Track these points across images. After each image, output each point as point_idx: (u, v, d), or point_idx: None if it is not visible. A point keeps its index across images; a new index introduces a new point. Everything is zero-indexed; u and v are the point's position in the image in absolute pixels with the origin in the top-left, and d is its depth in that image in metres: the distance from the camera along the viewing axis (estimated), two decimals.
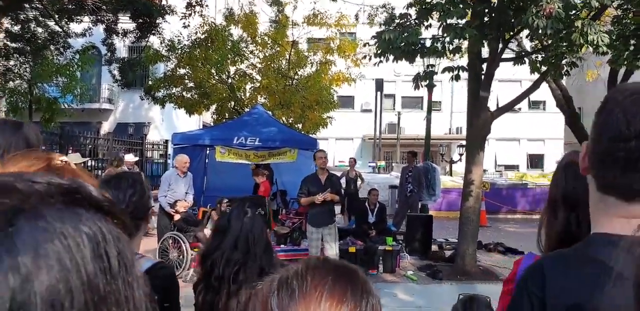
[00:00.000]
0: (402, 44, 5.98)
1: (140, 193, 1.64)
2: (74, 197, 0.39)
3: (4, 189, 0.35)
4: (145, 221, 1.69)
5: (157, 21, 11.85)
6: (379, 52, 6.27)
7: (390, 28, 6.19)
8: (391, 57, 6.35)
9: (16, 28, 12.05)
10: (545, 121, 26.59)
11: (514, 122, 23.75)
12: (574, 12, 5.84)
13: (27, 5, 10.54)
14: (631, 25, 7.61)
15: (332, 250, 6.22)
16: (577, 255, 0.90)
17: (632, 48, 7.35)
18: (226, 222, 2.07)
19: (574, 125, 9.76)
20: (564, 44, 5.79)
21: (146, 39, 12.50)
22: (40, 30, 12.50)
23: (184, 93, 13.60)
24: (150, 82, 14.36)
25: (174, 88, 13.56)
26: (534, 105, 27.12)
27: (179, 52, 13.03)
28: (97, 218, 0.38)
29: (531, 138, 27.57)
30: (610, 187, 0.87)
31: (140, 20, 11.26)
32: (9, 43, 12.29)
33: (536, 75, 7.61)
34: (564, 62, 6.75)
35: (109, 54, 13.09)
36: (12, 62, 12.69)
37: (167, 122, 20.60)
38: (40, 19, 12.18)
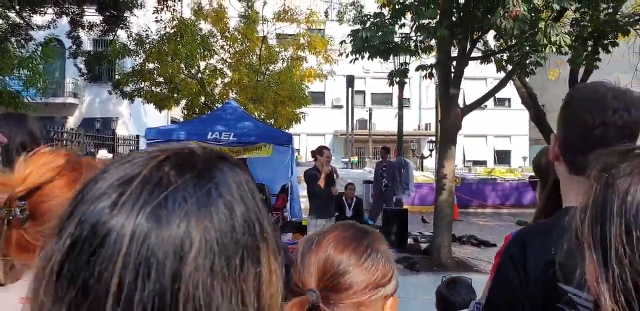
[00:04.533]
0: (377, 43, 6.15)
1: None
2: (225, 159, 0.48)
3: (192, 155, 0.46)
4: None
5: (125, 15, 11.61)
6: (354, 49, 6.43)
7: (366, 27, 6.35)
8: (366, 55, 6.51)
9: None
10: (511, 118, 27.35)
11: (481, 119, 24.34)
12: (536, 14, 6.10)
13: None
14: (589, 27, 7.99)
15: None
16: (549, 224, 1.08)
17: (590, 49, 7.74)
18: None
19: (540, 122, 10.13)
20: (529, 43, 6.04)
21: (113, 33, 12.26)
22: (0, 21, 12.11)
23: (153, 88, 13.46)
24: (118, 77, 14.12)
25: (143, 83, 13.40)
26: (500, 102, 27.84)
27: (148, 46, 12.89)
28: (243, 173, 0.48)
29: (498, 134, 28.31)
30: (581, 169, 1.02)
31: (108, 14, 11.02)
32: None
33: (502, 74, 7.90)
34: (528, 61, 7.05)
35: (74, 47, 12.76)
36: None
37: (135, 117, 20.24)
38: (1, 9, 11.79)
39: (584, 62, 7.82)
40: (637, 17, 9.55)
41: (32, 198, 0.89)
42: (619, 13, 8.52)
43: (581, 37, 7.65)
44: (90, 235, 0.39)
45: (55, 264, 0.39)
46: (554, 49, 5.85)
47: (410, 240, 8.75)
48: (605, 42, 7.66)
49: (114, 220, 0.40)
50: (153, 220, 0.40)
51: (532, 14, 5.73)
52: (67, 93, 20.25)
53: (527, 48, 6.16)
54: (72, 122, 20.37)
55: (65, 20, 12.12)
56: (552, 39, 5.61)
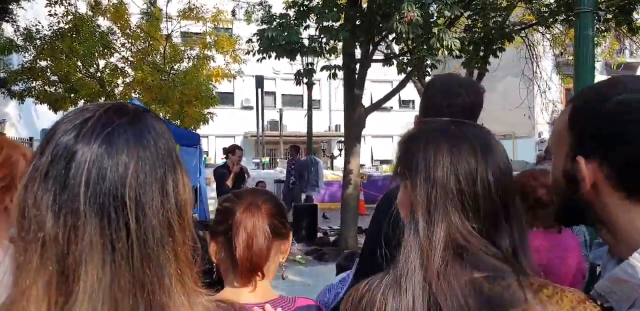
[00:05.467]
0: (284, 42, 6.29)
1: None
2: (149, 111, 0.70)
3: (126, 106, 0.68)
4: None
5: (11, 7, 10.61)
6: (261, 49, 6.53)
7: (272, 27, 6.47)
8: (273, 55, 6.63)
9: None
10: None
11: (386, 119, 25.44)
12: (432, 20, 6.54)
13: None
14: (480, 33, 8.71)
15: None
16: None
17: (482, 53, 8.43)
18: None
19: None
20: (424, 47, 6.47)
21: None
22: None
23: (47, 87, 12.47)
24: (3, 74, 12.88)
25: (34, 82, 12.36)
26: (404, 104, 29.29)
27: (39, 42, 11.92)
28: (161, 121, 0.70)
29: (402, 134, 29.75)
30: None
31: None
32: None
33: (404, 76, 8.36)
34: (425, 63, 7.53)
35: None
36: None
37: (25, 119, 18.58)
38: None
39: (477, 65, 8.50)
40: (523, 26, 10.57)
41: None
42: (508, 21, 9.35)
43: (473, 42, 8.30)
44: (64, 153, 0.60)
45: (43, 170, 0.60)
46: (447, 53, 6.32)
47: (320, 234, 9.16)
48: (494, 47, 8.36)
49: (78, 144, 0.61)
50: (104, 144, 0.61)
51: (427, 19, 6.13)
52: None
53: (423, 51, 6.58)
54: None
55: None
56: (444, 43, 6.05)
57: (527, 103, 14.39)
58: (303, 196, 10.47)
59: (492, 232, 0.82)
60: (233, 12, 13.88)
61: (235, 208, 1.22)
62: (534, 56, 12.63)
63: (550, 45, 13.50)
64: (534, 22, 10.38)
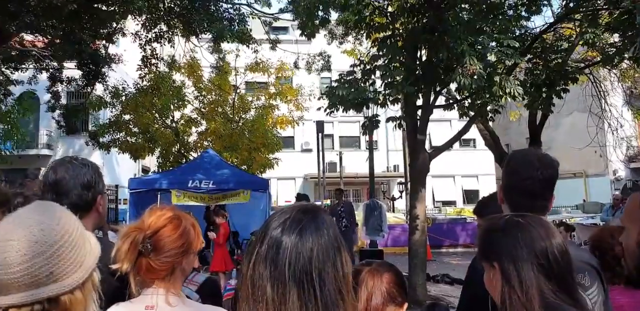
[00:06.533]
0: (351, 98, 6.71)
1: None
2: (321, 208, 0.99)
3: (308, 207, 0.98)
4: None
5: (103, 69, 11.95)
6: (330, 104, 7.02)
7: (340, 85, 6.96)
8: (341, 108, 7.08)
9: None
10: (477, 158, 28.29)
11: (447, 159, 25.12)
12: (491, 69, 6.70)
13: None
14: (542, 75, 8.72)
15: None
16: None
17: (544, 95, 8.39)
18: None
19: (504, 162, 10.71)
20: (487, 94, 6.64)
21: (92, 87, 12.57)
22: None
23: (129, 138, 13.66)
24: (93, 128, 14.27)
25: (119, 134, 13.60)
26: (465, 143, 28.88)
27: (124, 99, 13.23)
28: (328, 214, 0.98)
29: (465, 174, 29.11)
30: (518, 209, 1.52)
31: (87, 69, 11.33)
32: None
33: (465, 118, 8.49)
34: (488, 108, 7.66)
35: (52, 101, 13.00)
36: None
37: (107, 167, 20.12)
38: None
39: (540, 107, 8.45)
40: (586, 63, 10.39)
41: (154, 237, 1.35)
42: (570, 59, 9.23)
43: (535, 85, 8.30)
44: (275, 243, 0.91)
45: (263, 254, 0.91)
46: (509, 99, 6.44)
47: None
48: (558, 88, 8.32)
49: (283, 237, 0.92)
50: (299, 236, 0.91)
51: (488, 69, 6.33)
52: (41, 145, 20.05)
53: (486, 98, 6.74)
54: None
55: (44, 75, 12.40)
56: (507, 91, 6.20)
57: (598, 140, 13.85)
58: (367, 240, 10.47)
59: (566, 290, 1.12)
60: (295, 64, 14.72)
61: (363, 270, 1.56)
62: (601, 92, 12.21)
63: (619, 79, 12.88)
64: (597, 60, 10.15)
